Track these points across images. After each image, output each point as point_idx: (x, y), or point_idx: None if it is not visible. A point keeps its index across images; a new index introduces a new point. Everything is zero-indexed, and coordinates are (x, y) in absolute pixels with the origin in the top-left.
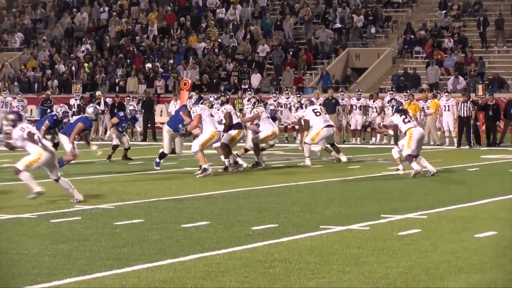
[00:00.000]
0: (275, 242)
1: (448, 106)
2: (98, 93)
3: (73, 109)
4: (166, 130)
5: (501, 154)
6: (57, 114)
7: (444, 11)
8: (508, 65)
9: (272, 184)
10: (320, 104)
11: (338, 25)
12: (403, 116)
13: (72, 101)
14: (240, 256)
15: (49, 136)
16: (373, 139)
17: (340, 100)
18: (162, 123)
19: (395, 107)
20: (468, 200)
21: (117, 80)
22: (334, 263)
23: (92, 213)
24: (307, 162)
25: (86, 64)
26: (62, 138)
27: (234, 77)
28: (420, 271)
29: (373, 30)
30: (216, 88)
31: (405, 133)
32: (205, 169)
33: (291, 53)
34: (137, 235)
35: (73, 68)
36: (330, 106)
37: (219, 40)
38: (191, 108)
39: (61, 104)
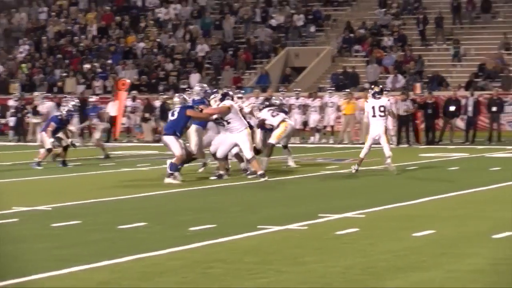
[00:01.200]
0: (214, 243)
1: None
2: (35, 94)
3: (11, 110)
4: (194, 130)
5: (440, 152)
6: (61, 113)
7: (383, 9)
8: (447, 63)
9: (212, 185)
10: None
11: (274, 21)
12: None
13: (10, 102)
14: (178, 257)
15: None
16: (312, 138)
17: (281, 99)
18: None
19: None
20: (406, 199)
21: (57, 81)
22: (272, 263)
23: (29, 214)
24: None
25: (23, 65)
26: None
27: (173, 77)
28: (358, 271)
29: (312, 29)
30: (155, 88)
31: (278, 125)
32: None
33: (230, 52)
34: (75, 236)
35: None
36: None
37: (158, 40)
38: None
39: (64, 104)
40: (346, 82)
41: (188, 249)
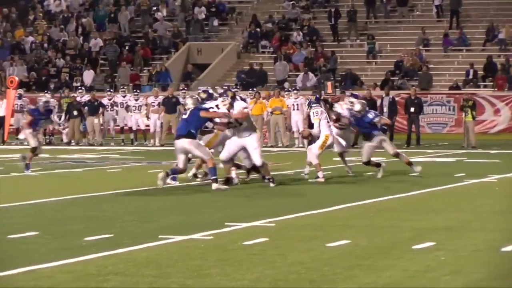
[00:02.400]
0: (109, 254)
1: (297, 104)
2: None
3: None
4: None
5: (354, 156)
6: (38, 106)
7: (292, 2)
8: (361, 60)
9: (103, 191)
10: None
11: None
12: None
13: None
14: (71, 269)
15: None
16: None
17: (181, 99)
18: None
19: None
20: (319, 206)
21: None
22: (174, 275)
23: None
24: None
25: None
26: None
27: (65, 74)
28: (267, 284)
29: (215, 22)
30: (45, 86)
31: None
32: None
33: (127, 47)
34: None
35: None
36: (170, 106)
37: (48, 33)
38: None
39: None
40: (253, 81)
41: (81, 260)
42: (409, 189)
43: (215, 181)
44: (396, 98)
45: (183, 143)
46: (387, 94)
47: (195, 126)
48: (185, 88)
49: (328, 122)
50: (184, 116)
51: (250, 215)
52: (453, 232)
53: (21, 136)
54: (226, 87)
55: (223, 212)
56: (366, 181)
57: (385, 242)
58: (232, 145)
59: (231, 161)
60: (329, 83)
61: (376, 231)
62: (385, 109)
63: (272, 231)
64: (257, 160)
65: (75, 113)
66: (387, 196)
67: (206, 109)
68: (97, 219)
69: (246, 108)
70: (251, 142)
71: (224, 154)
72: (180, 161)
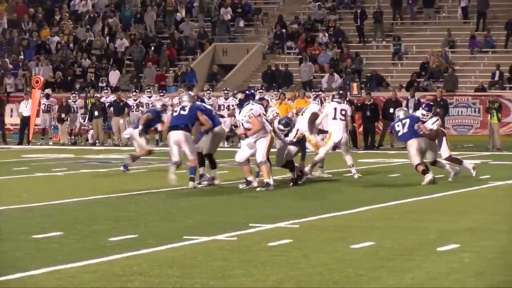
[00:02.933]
0: (133, 254)
1: None
2: None
3: None
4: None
5: (379, 158)
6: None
7: (318, 3)
8: (386, 61)
9: (128, 192)
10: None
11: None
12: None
13: None
14: (95, 269)
15: None
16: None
17: (206, 100)
18: (13, 125)
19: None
20: (343, 208)
21: None
22: (197, 276)
23: None
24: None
25: None
26: None
27: (90, 74)
28: (290, 285)
29: (241, 23)
30: (71, 86)
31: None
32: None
33: (152, 48)
34: None
35: None
36: None
37: (73, 33)
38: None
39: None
40: (279, 82)
41: (106, 261)
42: (434, 191)
43: (192, 180)
44: (422, 100)
45: (180, 135)
46: (413, 96)
47: (191, 122)
48: (210, 89)
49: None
50: (183, 112)
51: (274, 216)
52: (477, 234)
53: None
54: (248, 91)
55: (247, 213)
56: (391, 182)
57: (409, 244)
58: (248, 146)
59: (247, 162)
60: (354, 84)
61: (400, 233)
62: (411, 111)
63: (296, 232)
64: (259, 157)
65: (96, 113)
66: (412, 198)
67: (202, 111)
68: (122, 219)
69: (255, 115)
70: (262, 141)
71: (239, 156)
72: (176, 153)
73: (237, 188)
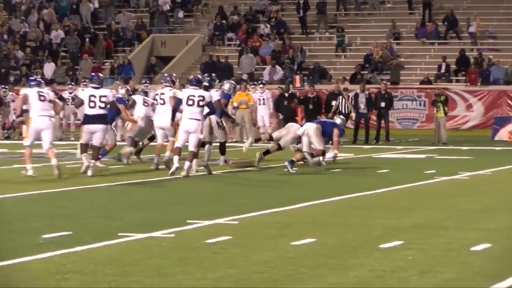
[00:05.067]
0: (68, 252)
1: (263, 99)
2: None
3: None
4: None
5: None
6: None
7: None
8: (330, 53)
9: (64, 187)
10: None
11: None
12: None
13: None
14: (29, 268)
15: None
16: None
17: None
18: None
19: None
20: (286, 203)
21: None
22: (134, 274)
23: None
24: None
25: None
26: None
27: (25, 67)
28: (230, 283)
29: (180, 14)
30: (5, 79)
31: None
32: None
33: (88, 39)
34: None
35: None
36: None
37: (8, 24)
38: None
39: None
40: (219, 74)
41: (40, 258)
42: (378, 186)
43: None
44: (366, 92)
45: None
46: (363, 90)
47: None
48: (148, 82)
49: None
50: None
51: (213, 212)
52: (423, 231)
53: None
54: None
55: (186, 209)
56: (334, 178)
57: (352, 241)
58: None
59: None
60: (297, 77)
61: (343, 229)
62: (362, 106)
63: (235, 229)
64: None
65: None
66: (356, 193)
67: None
68: (57, 216)
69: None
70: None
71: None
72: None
73: (175, 184)
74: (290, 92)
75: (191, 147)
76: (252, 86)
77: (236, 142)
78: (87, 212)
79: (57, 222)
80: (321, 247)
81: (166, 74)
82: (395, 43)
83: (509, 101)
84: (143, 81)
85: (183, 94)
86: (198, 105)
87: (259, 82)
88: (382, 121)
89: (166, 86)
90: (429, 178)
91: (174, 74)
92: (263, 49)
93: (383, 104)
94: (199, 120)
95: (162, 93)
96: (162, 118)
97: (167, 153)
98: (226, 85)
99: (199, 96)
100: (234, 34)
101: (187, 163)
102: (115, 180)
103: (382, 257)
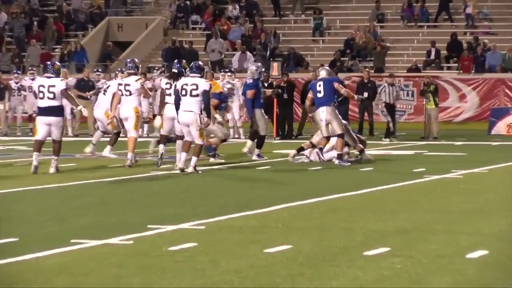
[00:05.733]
0: (15, 261)
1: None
2: None
3: None
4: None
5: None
6: None
7: None
8: (306, 38)
9: (9, 188)
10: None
11: None
12: None
13: None
14: None
15: None
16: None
17: (95, 82)
18: None
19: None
20: (257, 206)
21: None
22: (89, 284)
23: None
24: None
25: None
26: None
27: None
28: None
29: None
30: None
31: None
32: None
33: (36, 23)
34: None
35: None
36: (87, 89)
37: None
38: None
39: None
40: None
41: None
42: (361, 186)
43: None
44: (347, 82)
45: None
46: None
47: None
48: (99, 70)
49: None
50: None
51: (177, 216)
52: (411, 236)
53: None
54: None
55: (147, 212)
56: (310, 177)
57: (332, 247)
58: None
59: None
60: (275, 64)
61: (322, 235)
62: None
63: (202, 235)
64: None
65: None
66: (335, 194)
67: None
68: (3, 220)
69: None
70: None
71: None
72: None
73: (135, 185)
74: (269, 82)
75: (196, 141)
76: (222, 74)
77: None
78: (36, 215)
79: (2, 227)
80: (297, 254)
81: (128, 60)
82: (379, 26)
83: (507, 91)
84: (95, 69)
85: (179, 83)
86: (191, 95)
87: (228, 70)
88: (366, 113)
89: (131, 74)
90: (418, 177)
91: (136, 60)
92: (232, 34)
93: (366, 95)
94: (192, 111)
95: (128, 84)
96: (124, 108)
97: (130, 154)
98: (252, 67)
99: (192, 85)
100: (200, 16)
101: (194, 158)
102: (68, 179)
103: (366, 266)
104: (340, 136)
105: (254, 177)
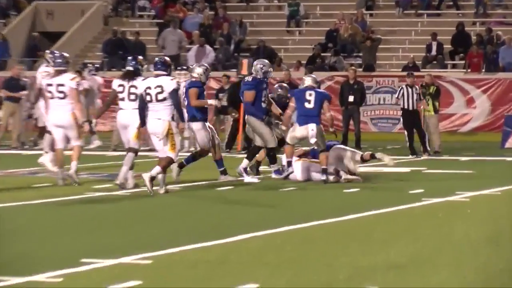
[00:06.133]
0: None
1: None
2: None
3: None
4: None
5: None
6: None
7: None
8: (279, 28)
9: None
10: None
11: None
12: None
13: None
14: None
15: None
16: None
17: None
18: None
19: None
20: (218, 235)
21: None
22: None
23: None
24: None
25: None
26: None
27: None
28: None
29: None
30: None
31: None
32: None
33: None
34: None
35: None
36: (17, 90)
37: None
38: None
39: None
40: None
41: None
42: (345, 211)
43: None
44: (328, 83)
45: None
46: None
47: None
48: (23, 67)
49: None
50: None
51: (118, 247)
52: (407, 272)
53: None
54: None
55: (81, 242)
56: (282, 199)
57: (310, 286)
58: None
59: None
60: (244, 61)
61: (297, 271)
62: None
63: (148, 270)
64: None
65: None
66: (314, 221)
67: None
68: None
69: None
70: None
71: None
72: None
73: (67, 207)
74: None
75: (167, 153)
76: (177, 72)
77: (150, 150)
78: None
79: None
80: None
81: (57, 54)
82: (368, 14)
83: None
84: (18, 66)
85: (141, 86)
86: (158, 100)
87: (182, 67)
88: (351, 121)
89: (62, 71)
90: (415, 200)
91: (66, 54)
92: (188, 22)
93: (351, 99)
94: (160, 119)
95: (61, 84)
96: (58, 114)
97: (73, 164)
98: (198, 69)
99: (156, 87)
100: (148, 1)
101: (156, 168)
102: None
103: None
104: (324, 150)
105: (216, 198)
